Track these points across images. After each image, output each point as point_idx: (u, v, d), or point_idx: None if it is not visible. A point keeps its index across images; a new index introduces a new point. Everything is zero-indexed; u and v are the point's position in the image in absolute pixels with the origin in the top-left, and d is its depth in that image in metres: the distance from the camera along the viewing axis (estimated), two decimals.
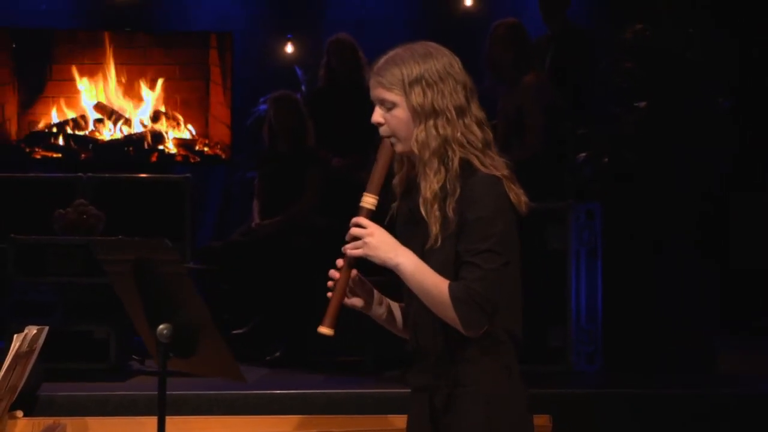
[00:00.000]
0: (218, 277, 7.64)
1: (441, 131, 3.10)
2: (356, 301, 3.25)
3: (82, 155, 9.33)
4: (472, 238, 3.05)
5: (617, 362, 6.74)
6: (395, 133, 3.17)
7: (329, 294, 3.16)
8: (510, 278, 3.11)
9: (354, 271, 3.18)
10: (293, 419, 5.10)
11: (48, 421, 4.11)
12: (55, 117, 9.36)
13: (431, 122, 3.11)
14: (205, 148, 9.46)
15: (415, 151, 3.12)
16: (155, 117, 9.42)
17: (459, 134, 3.11)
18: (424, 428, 3.18)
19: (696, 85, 6.93)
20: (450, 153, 3.10)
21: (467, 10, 10.40)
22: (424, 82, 3.11)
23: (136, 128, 9.42)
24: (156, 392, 5.24)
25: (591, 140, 6.97)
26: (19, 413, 3.95)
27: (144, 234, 7.86)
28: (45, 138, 9.31)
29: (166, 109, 9.45)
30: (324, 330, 3.14)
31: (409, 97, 3.12)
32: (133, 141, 9.40)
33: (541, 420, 4.31)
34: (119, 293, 3.14)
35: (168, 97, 9.46)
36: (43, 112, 9.36)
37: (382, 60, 3.19)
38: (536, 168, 6.84)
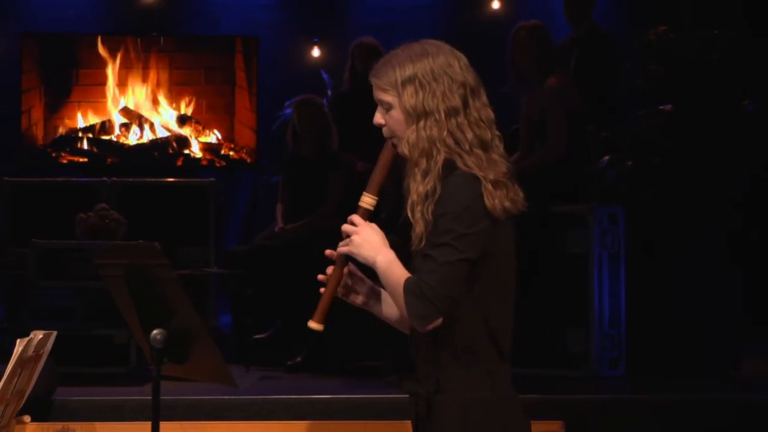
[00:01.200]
0: (242, 281, 7.62)
1: (428, 132, 3.07)
2: (356, 299, 3.27)
3: (108, 160, 9.35)
4: (434, 232, 3.02)
5: (641, 368, 6.67)
6: (394, 134, 3.15)
7: (321, 290, 3.16)
8: (483, 281, 3.05)
9: (347, 269, 3.17)
10: (307, 425, 5.08)
11: (57, 426, 4.10)
12: (81, 122, 9.38)
13: (421, 123, 3.08)
14: (231, 153, 9.45)
15: (406, 152, 3.10)
16: (181, 121, 9.42)
17: (445, 134, 3.07)
18: None
19: (720, 88, 6.85)
20: (435, 153, 3.07)
21: (494, 13, 10.36)
22: (417, 82, 3.08)
23: (162, 133, 9.43)
24: (173, 397, 5.26)
25: (614, 143, 6.90)
26: (27, 418, 3.94)
27: (169, 238, 7.99)
28: (71, 142, 9.34)
29: (191, 114, 9.45)
30: (313, 325, 3.17)
31: (402, 98, 3.10)
32: (158, 145, 9.41)
33: (553, 426, 4.27)
34: (115, 298, 3.13)
35: (194, 101, 9.45)
36: (70, 116, 9.38)
37: (380, 61, 3.16)
38: (559, 171, 6.80)
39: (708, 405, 5.84)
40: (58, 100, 9.37)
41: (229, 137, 9.45)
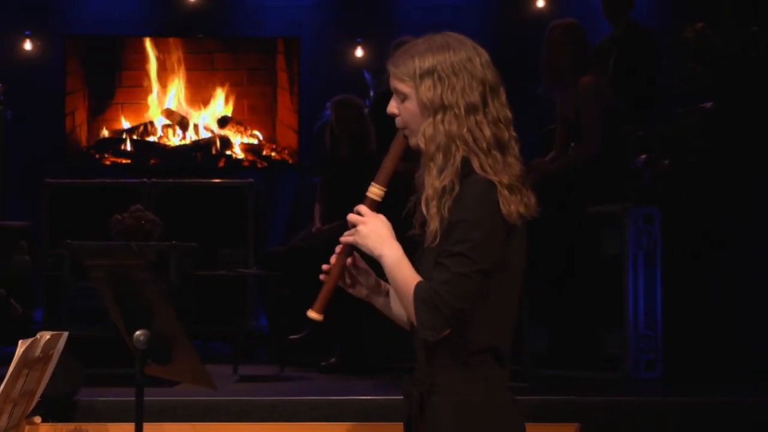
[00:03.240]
0: (280, 282, 7.60)
1: (447, 127, 3.00)
2: (360, 291, 3.24)
3: (151, 161, 9.38)
4: (450, 240, 2.96)
5: (678, 370, 6.57)
6: (408, 125, 3.09)
7: (321, 276, 3.12)
8: (490, 288, 2.98)
9: (350, 260, 3.13)
10: (329, 426, 5.04)
11: (70, 426, 4.09)
12: (124, 123, 9.43)
13: (439, 117, 3.01)
14: (273, 154, 9.46)
15: (422, 145, 3.03)
16: (223, 122, 9.44)
17: (465, 131, 3.00)
18: None
19: (760, 86, 6.74)
20: (454, 150, 3.00)
21: (539, 12, 10.28)
22: (436, 75, 3.01)
23: (204, 134, 9.45)
24: (191, 398, 5.25)
25: (651, 142, 6.81)
26: (38, 419, 3.93)
27: (208, 239, 8.02)
28: (114, 144, 9.39)
29: (233, 115, 9.46)
30: (313, 315, 3.13)
31: (419, 90, 3.03)
32: (200, 147, 9.43)
33: (568, 429, 4.20)
34: (104, 298, 3.11)
35: (236, 102, 9.47)
36: (113, 118, 9.44)
37: (400, 50, 3.10)
38: (593, 171, 6.72)
39: (748, 409, 5.72)
40: (102, 102, 9.43)
41: (270, 138, 9.45)
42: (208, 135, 9.44)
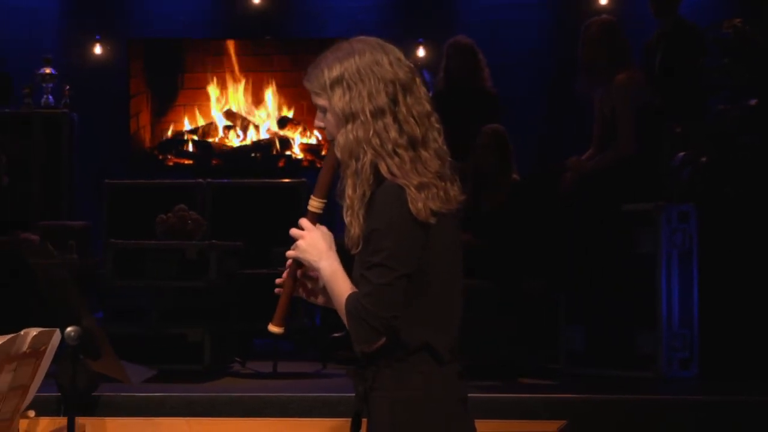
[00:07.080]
0: None
1: (356, 133, 3.03)
2: (316, 299, 3.26)
3: (212, 162, 9.53)
4: (368, 251, 2.99)
5: (715, 369, 6.52)
6: (334, 136, 3.13)
7: (277, 290, 3.18)
8: (417, 289, 3.01)
9: (300, 271, 3.17)
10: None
11: (64, 421, 4.20)
12: (186, 124, 9.59)
13: (350, 125, 3.04)
14: None
15: (338, 155, 3.07)
16: (282, 123, 9.55)
17: (372, 135, 3.02)
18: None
19: None
20: (362, 156, 3.03)
21: (601, 9, 10.19)
22: (344, 84, 3.05)
23: (264, 135, 9.57)
24: (214, 394, 5.35)
25: (691, 139, 6.76)
26: (31, 413, 4.05)
27: (262, 238, 8.11)
28: (177, 145, 9.55)
29: (293, 116, 9.57)
30: (273, 329, 3.16)
31: (332, 101, 3.07)
32: (260, 147, 9.55)
33: (553, 425, 4.22)
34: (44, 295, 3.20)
35: (295, 103, 9.57)
36: (175, 120, 9.60)
37: (312, 64, 3.15)
38: (630, 169, 6.69)
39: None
40: (165, 104, 9.60)
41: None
42: (268, 136, 9.56)
